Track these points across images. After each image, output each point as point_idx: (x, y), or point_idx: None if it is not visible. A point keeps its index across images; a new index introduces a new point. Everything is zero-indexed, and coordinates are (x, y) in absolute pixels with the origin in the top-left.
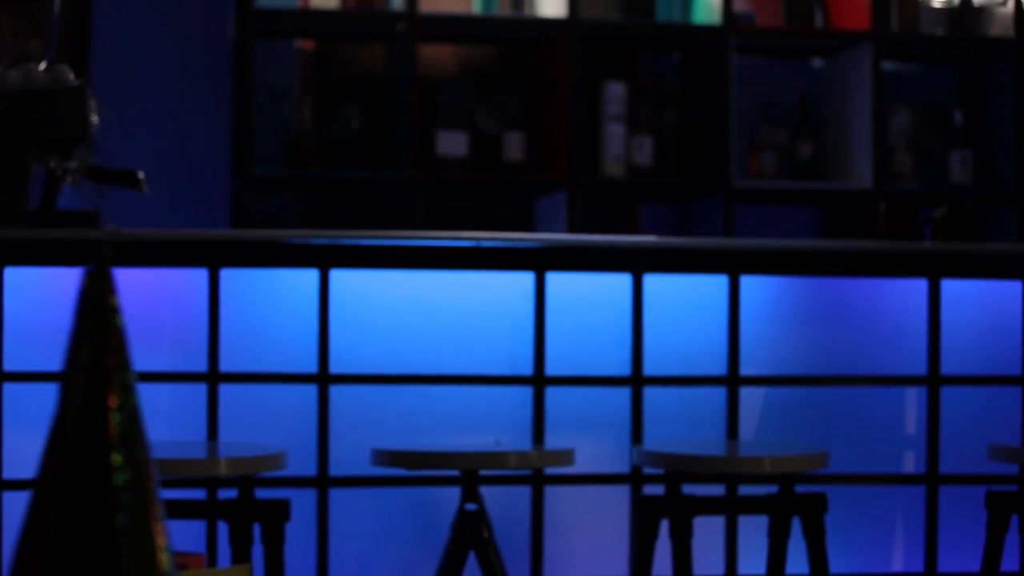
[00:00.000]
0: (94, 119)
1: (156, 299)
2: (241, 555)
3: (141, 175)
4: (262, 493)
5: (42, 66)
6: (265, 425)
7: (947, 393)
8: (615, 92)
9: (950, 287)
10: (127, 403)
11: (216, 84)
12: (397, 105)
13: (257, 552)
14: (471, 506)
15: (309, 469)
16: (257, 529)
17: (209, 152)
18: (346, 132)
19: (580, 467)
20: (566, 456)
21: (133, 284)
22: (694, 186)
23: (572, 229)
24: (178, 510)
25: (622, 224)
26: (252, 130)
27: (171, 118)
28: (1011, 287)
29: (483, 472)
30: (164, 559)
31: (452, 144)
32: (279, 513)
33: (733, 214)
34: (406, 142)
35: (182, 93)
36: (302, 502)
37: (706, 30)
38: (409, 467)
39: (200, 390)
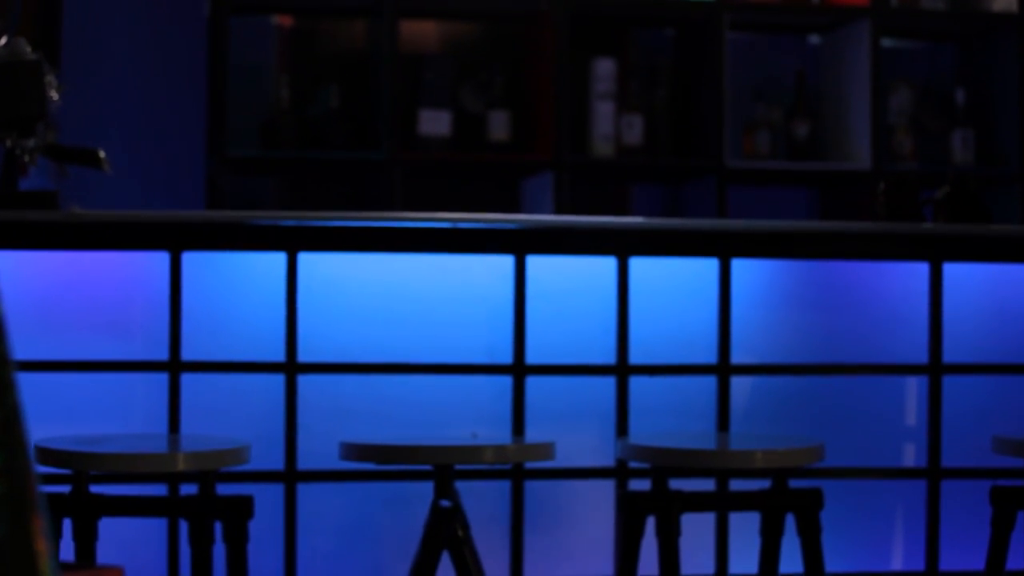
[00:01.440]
0: (53, 95)
1: (115, 284)
2: (201, 555)
3: (102, 154)
4: (227, 489)
5: (1, 41)
6: (229, 417)
7: (949, 383)
8: (604, 69)
9: (953, 271)
10: (5, 402)
11: (190, 61)
12: (378, 83)
13: (219, 551)
14: (445, 503)
15: (276, 463)
16: (219, 527)
17: (183, 132)
18: (325, 111)
19: (562, 461)
20: (546, 450)
21: (91, 268)
22: (686, 166)
23: (559, 211)
24: (136, 507)
25: (611, 206)
26: (227, 109)
27: (144, 97)
28: (1017, 271)
29: (459, 466)
30: None
31: (435, 123)
32: (242, 510)
33: (726, 196)
34: (387, 121)
35: (155, 71)
36: (268, 498)
37: (699, 5)
38: (379, 462)
39: (161, 380)
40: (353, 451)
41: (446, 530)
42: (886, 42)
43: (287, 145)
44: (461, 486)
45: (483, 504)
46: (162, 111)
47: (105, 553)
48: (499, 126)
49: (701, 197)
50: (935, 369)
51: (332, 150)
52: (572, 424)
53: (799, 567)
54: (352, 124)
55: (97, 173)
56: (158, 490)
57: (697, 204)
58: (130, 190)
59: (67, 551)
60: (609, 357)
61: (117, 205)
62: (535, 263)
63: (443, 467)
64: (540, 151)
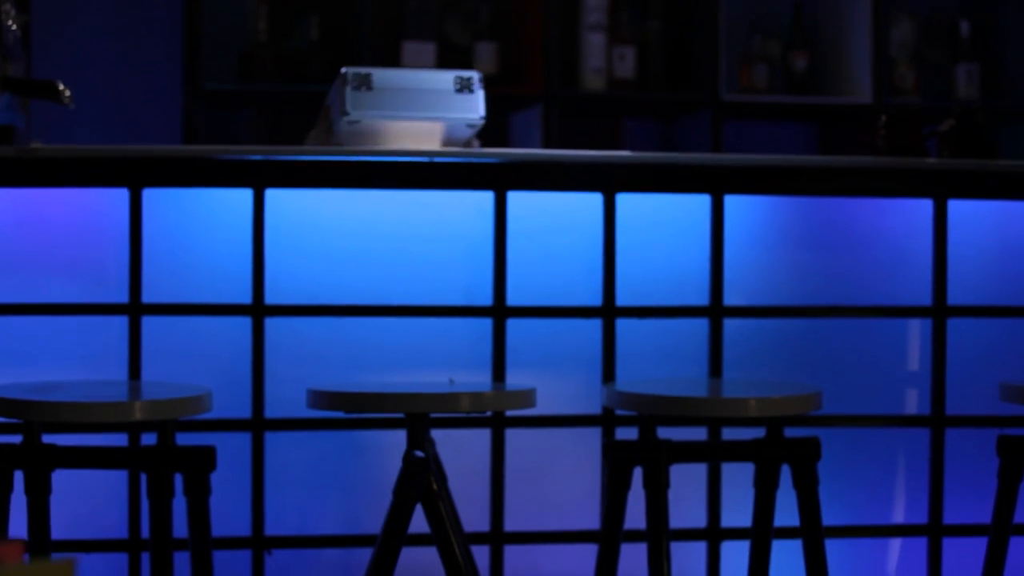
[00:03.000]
0: (12, 25)
1: (72, 222)
2: (160, 509)
3: (61, 86)
4: (191, 438)
5: None
6: (193, 363)
7: (954, 326)
8: None
9: (958, 208)
10: None
11: None
12: (359, 13)
13: (180, 504)
14: (419, 453)
15: (243, 411)
16: (180, 480)
17: (158, 65)
18: (304, 43)
19: (545, 408)
20: (527, 397)
21: (47, 206)
22: (680, 100)
23: (548, 146)
24: (90, 459)
25: (602, 141)
26: (203, 41)
27: (119, 29)
28: None
29: (436, 415)
30: None
31: (419, 56)
32: (203, 462)
33: (722, 130)
34: (369, 53)
35: (130, 1)
36: (235, 447)
37: None
38: (348, 410)
39: (121, 323)
40: (320, 399)
41: (419, 482)
42: None
43: (265, 78)
44: (438, 435)
45: (461, 454)
46: (137, 43)
47: (61, 508)
48: (486, 58)
49: (695, 132)
50: (939, 311)
51: (312, 83)
52: (555, 370)
53: (795, 520)
54: (333, 56)
55: (72, 108)
56: (119, 440)
57: (691, 139)
58: (105, 125)
59: (19, 505)
60: (595, 299)
61: (91, 141)
62: (516, 199)
63: (416, 416)
64: (528, 84)
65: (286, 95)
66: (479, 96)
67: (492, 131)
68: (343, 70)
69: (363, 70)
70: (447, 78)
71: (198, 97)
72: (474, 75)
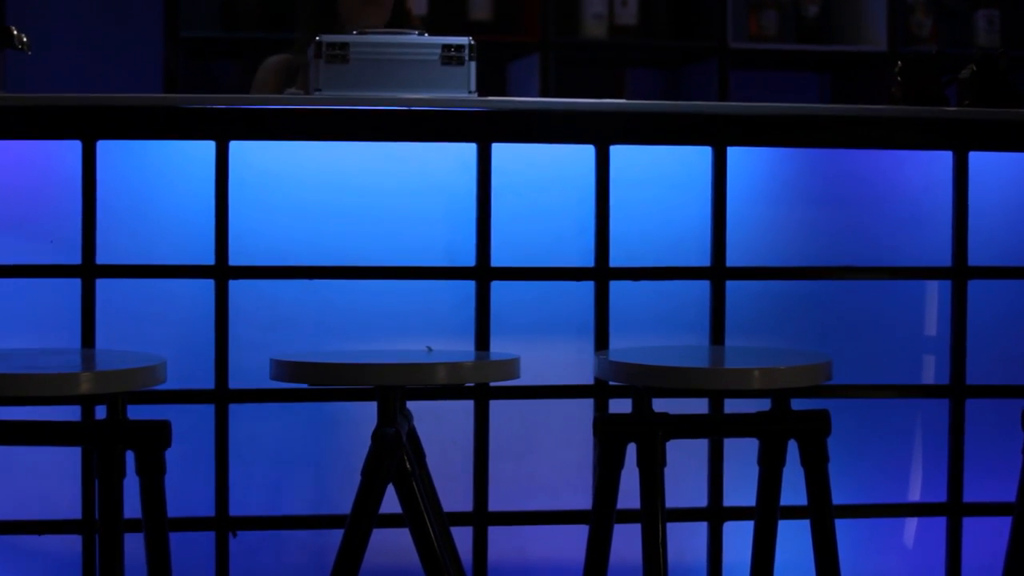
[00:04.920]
0: None
1: (20, 177)
2: (109, 489)
3: (15, 31)
4: (150, 411)
5: None
6: (152, 329)
7: (976, 288)
8: None
9: (979, 160)
10: None
11: None
12: None
13: (133, 483)
14: (390, 430)
15: (206, 381)
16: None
17: (138, 13)
18: None
19: (532, 379)
20: (509, 368)
21: None
22: (686, 49)
23: (547, 97)
24: (34, 435)
25: (604, 91)
26: None
27: None
28: None
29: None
30: None
31: (410, 1)
32: (156, 437)
33: (729, 80)
34: None
35: None
36: (197, 420)
37: None
38: (312, 382)
39: (73, 287)
40: (283, 370)
41: (390, 462)
42: None
43: (249, 26)
44: (416, 407)
45: (441, 427)
46: None
47: (12, 486)
48: (481, 4)
49: (702, 82)
50: (959, 272)
51: (297, 31)
52: (543, 336)
53: (803, 499)
54: (319, 2)
55: (43, 58)
56: (73, 413)
57: (697, 89)
58: (83, 76)
59: None
60: (586, 260)
61: (70, 92)
62: (502, 152)
63: (388, 389)
64: (526, 32)
65: (271, 43)
66: (470, 69)
67: (487, 81)
68: (318, 38)
69: (340, 38)
70: (434, 47)
71: (178, 45)
72: (465, 43)
